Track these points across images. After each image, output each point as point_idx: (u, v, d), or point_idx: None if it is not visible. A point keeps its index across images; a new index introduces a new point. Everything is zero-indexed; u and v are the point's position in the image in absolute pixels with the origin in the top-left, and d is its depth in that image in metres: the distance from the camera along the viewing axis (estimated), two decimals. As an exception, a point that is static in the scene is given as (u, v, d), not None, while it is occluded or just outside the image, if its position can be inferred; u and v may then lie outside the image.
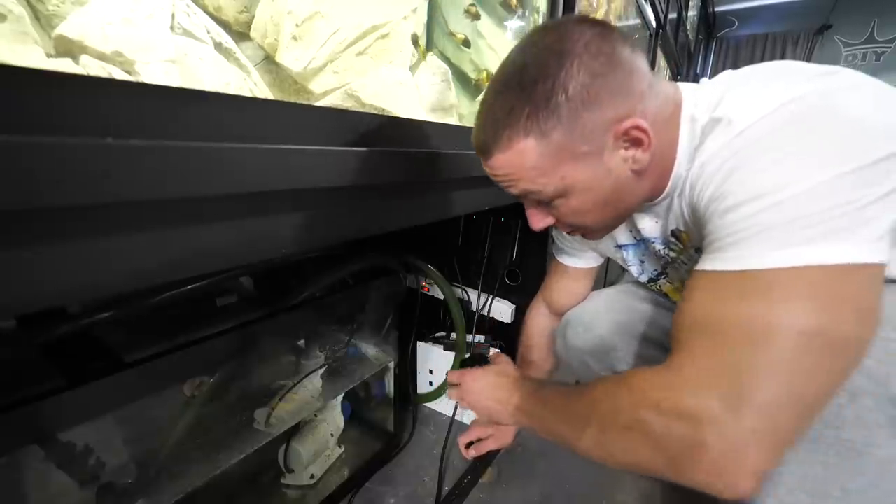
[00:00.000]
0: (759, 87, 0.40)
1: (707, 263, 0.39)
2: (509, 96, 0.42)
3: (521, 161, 0.43)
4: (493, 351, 0.72)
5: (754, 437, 0.32)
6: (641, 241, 0.60)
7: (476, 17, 0.86)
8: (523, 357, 0.89)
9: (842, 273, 0.32)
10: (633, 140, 0.42)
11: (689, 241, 0.51)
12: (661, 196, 0.49)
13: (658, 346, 0.68)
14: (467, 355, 0.69)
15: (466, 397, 0.62)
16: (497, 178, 0.47)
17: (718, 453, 0.32)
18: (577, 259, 0.76)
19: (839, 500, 0.39)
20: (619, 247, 0.64)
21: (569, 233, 0.55)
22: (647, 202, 0.51)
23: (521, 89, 0.41)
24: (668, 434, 0.35)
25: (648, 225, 0.55)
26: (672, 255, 0.56)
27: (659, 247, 0.57)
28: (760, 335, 0.33)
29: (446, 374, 0.69)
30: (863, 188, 0.31)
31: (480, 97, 0.47)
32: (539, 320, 0.85)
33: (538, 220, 0.51)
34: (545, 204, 0.48)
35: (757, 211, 0.34)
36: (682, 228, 0.50)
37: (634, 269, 0.65)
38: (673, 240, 0.53)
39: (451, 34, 0.77)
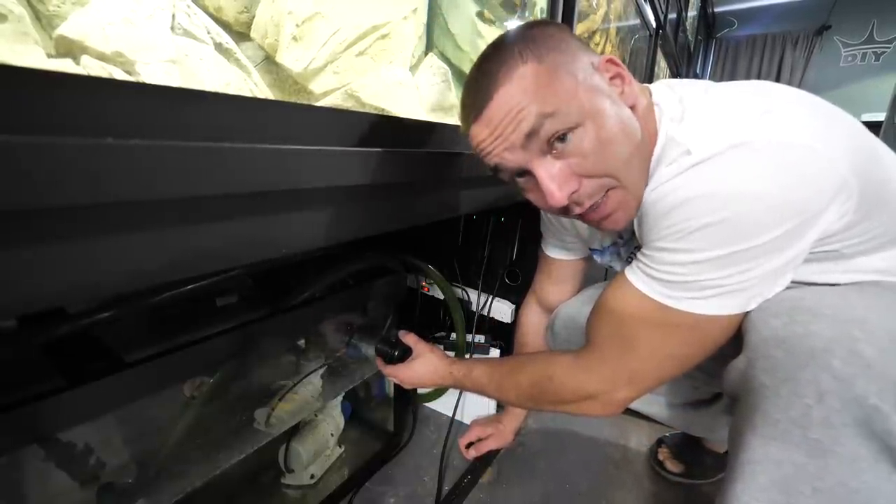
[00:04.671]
0: (714, 118, 0.43)
1: (637, 280, 0.47)
2: (497, 53, 0.43)
3: (526, 85, 0.40)
4: (402, 333, 0.75)
5: (626, 400, 0.53)
6: (613, 245, 0.64)
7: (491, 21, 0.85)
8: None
9: (715, 321, 0.45)
10: (615, 75, 0.46)
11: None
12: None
13: None
14: (396, 351, 0.72)
15: (406, 383, 0.72)
16: (502, 124, 0.41)
17: (607, 411, 0.54)
18: (566, 251, 0.76)
19: (810, 498, 0.41)
20: (591, 250, 0.68)
21: (587, 211, 0.46)
22: (644, 159, 0.47)
23: (505, 45, 0.43)
24: (580, 405, 0.55)
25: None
26: (634, 252, 0.60)
27: (620, 243, 0.62)
28: (652, 353, 0.49)
29: (381, 369, 0.74)
30: (747, 264, 0.41)
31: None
32: (532, 318, 0.86)
33: (564, 181, 0.43)
34: (560, 147, 0.42)
35: (681, 263, 0.43)
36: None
37: (617, 266, 0.67)
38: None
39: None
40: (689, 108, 0.45)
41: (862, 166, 0.41)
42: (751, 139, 0.39)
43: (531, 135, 0.41)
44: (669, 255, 0.44)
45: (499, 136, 0.42)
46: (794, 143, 0.39)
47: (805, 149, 0.39)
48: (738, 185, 0.39)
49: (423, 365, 0.70)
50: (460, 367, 0.68)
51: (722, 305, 0.44)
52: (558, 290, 0.81)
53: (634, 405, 0.63)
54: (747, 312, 0.45)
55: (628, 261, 0.64)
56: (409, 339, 0.73)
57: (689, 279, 0.43)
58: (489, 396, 0.67)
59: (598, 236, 0.66)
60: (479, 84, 0.43)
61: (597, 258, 0.69)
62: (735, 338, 0.47)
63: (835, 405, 0.38)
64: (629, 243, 0.62)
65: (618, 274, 0.52)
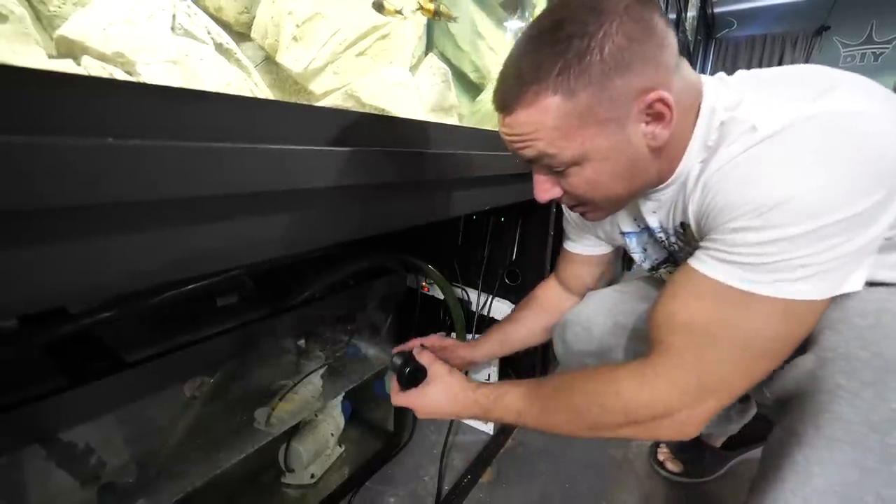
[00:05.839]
0: (778, 95, 0.41)
1: (711, 269, 0.42)
2: (540, 51, 0.41)
3: (544, 119, 0.42)
4: (417, 351, 0.64)
5: (710, 413, 0.44)
6: (645, 230, 0.60)
7: (429, 13, 0.75)
8: (511, 317, 0.83)
9: (808, 306, 0.40)
10: (656, 114, 0.42)
11: (695, 235, 0.51)
12: (665, 184, 0.49)
13: None
14: (407, 369, 0.61)
15: (420, 412, 0.60)
16: (513, 138, 0.45)
17: (684, 431, 0.46)
18: (586, 247, 0.75)
19: None
20: (623, 234, 0.64)
21: (571, 207, 0.54)
22: (651, 188, 0.50)
23: (554, 44, 0.40)
24: (650, 427, 0.46)
25: (650, 213, 0.55)
26: (679, 244, 0.56)
27: (662, 236, 0.57)
28: (739, 353, 0.42)
29: (392, 398, 0.64)
30: (835, 238, 0.37)
31: (508, 51, 0.45)
32: (550, 290, 0.82)
33: (545, 191, 0.49)
34: (556, 173, 0.47)
35: (763, 242, 0.38)
36: (688, 222, 0.50)
37: (637, 257, 0.65)
38: (681, 231, 0.53)
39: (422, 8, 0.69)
40: (745, 93, 0.43)
41: None
42: (822, 111, 0.37)
43: (532, 158, 0.46)
44: (749, 235, 0.39)
45: (511, 141, 0.46)
46: (868, 112, 0.37)
47: (881, 118, 0.37)
48: (820, 155, 0.36)
49: (441, 392, 0.59)
50: (487, 393, 0.56)
51: (814, 288, 0.39)
52: (579, 279, 0.78)
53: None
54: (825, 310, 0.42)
55: (671, 255, 0.59)
56: (424, 357, 0.63)
57: (774, 259, 0.38)
58: (526, 425, 0.54)
59: (617, 223, 0.63)
60: (513, 78, 0.43)
61: (626, 241, 0.64)
62: None
63: None
64: (683, 237, 0.55)
65: (678, 270, 0.47)
